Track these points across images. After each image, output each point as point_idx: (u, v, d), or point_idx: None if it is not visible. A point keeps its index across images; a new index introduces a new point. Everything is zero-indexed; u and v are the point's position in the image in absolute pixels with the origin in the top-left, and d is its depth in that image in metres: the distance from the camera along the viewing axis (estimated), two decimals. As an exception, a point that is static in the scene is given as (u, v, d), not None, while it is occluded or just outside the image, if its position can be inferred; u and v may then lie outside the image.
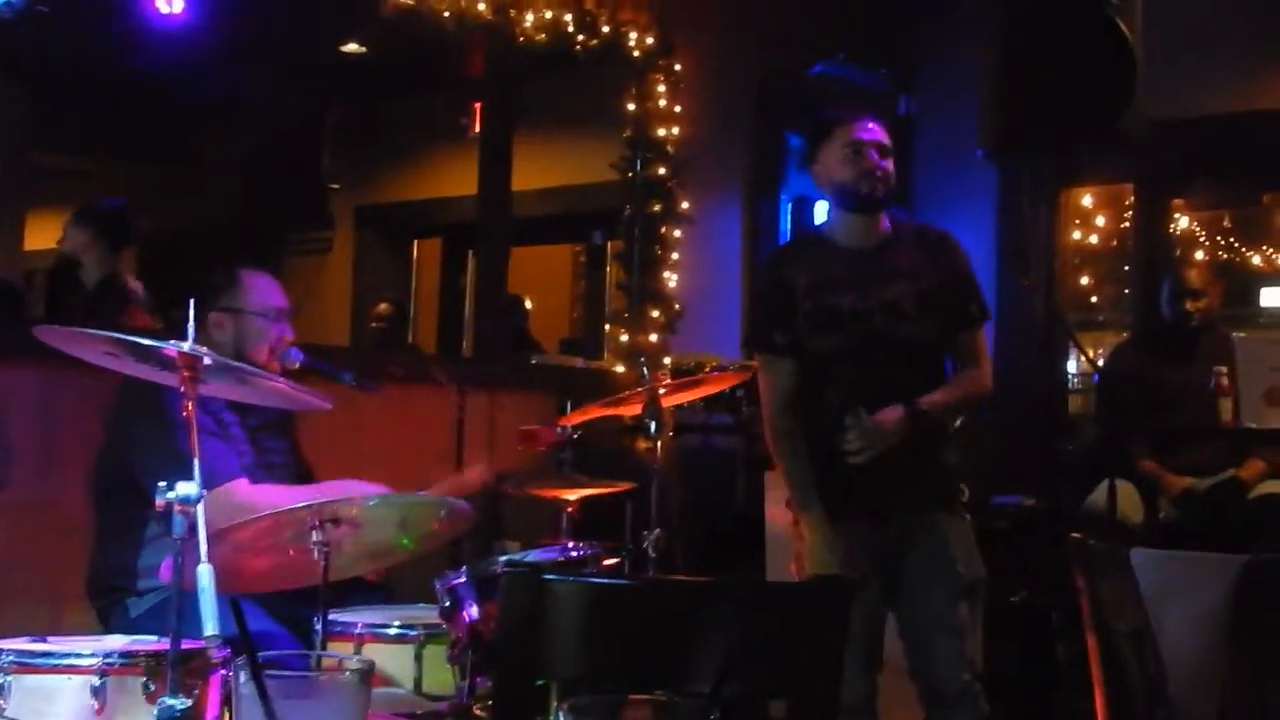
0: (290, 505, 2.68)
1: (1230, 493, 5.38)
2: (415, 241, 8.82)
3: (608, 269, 6.49)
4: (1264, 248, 10.52)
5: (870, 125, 3.58)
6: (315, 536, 2.64)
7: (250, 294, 3.53)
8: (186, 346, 2.24)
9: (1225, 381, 4.69)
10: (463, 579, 2.82)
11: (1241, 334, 5.25)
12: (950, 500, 3.59)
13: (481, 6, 5.18)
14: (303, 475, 3.60)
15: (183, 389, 2.24)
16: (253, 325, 3.49)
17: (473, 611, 2.77)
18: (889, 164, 3.55)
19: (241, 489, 3.20)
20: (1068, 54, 4.42)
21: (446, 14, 5.09)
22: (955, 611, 3.49)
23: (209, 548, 2.09)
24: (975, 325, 3.64)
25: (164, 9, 4.81)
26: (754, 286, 3.75)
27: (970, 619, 3.51)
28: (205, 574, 2.01)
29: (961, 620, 3.49)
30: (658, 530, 3.63)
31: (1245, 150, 6.79)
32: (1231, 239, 10.39)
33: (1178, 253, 9.09)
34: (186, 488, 2.05)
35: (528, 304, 7.89)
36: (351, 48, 6.83)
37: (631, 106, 5.95)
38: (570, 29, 5.55)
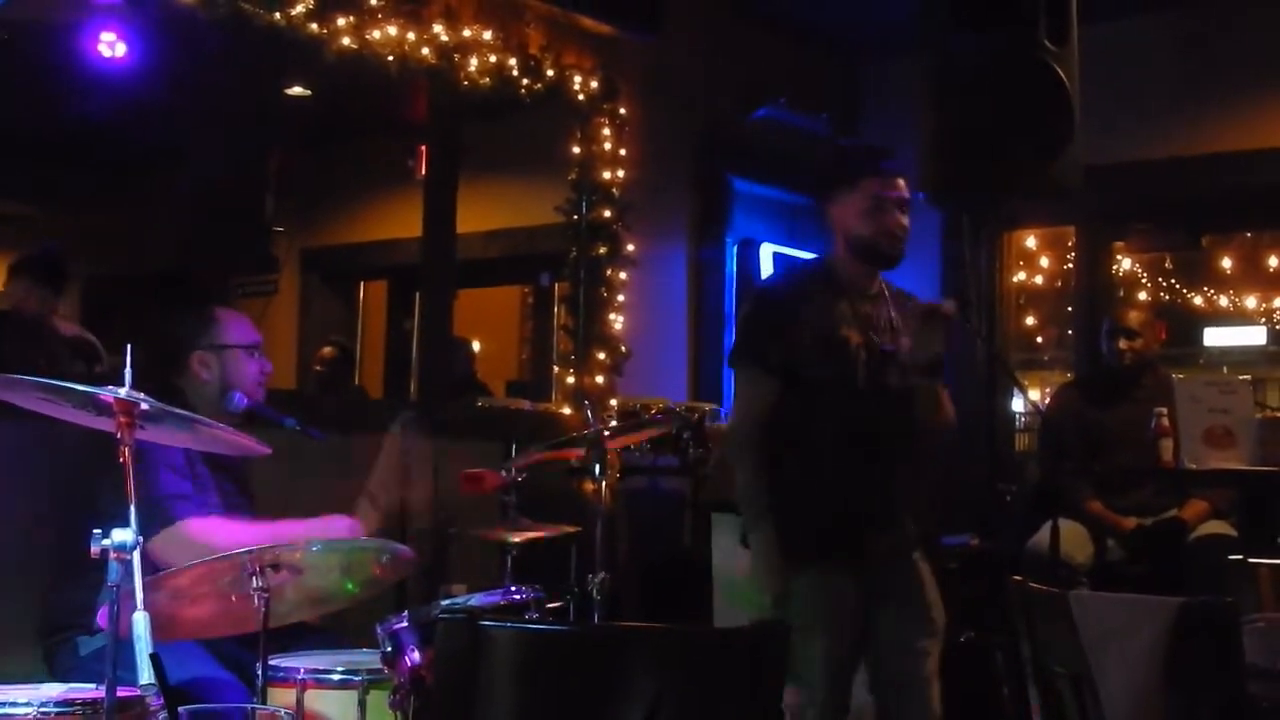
0: (254, 541, 2.69)
1: (1172, 533, 5.45)
2: (361, 284, 8.81)
3: (555, 311, 6.50)
4: (1205, 289, 10.70)
5: (898, 181, 3.58)
6: (255, 583, 2.63)
7: (230, 330, 3.58)
8: (123, 392, 2.24)
9: (1165, 423, 4.75)
10: (404, 623, 2.82)
11: (1181, 375, 5.32)
12: (925, 540, 3.59)
13: (425, 51, 5.20)
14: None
15: (119, 435, 2.24)
16: (238, 360, 3.54)
17: (414, 656, 2.76)
18: (908, 220, 3.57)
19: (210, 526, 3.21)
20: (1006, 99, 4.49)
21: (390, 58, 5.10)
22: (930, 658, 3.49)
23: (146, 594, 2.08)
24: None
25: (106, 53, 4.80)
26: (748, 306, 3.71)
27: (935, 664, 3.52)
28: (140, 622, 2.00)
29: (933, 666, 3.49)
30: (602, 573, 3.63)
31: (1184, 194, 6.92)
32: (1173, 280, 10.56)
33: (1120, 294, 9.24)
34: (122, 534, 2.04)
35: (475, 346, 7.89)
36: (295, 91, 6.83)
37: (576, 150, 5.98)
38: (515, 73, 5.57)
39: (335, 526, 3.37)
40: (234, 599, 2.72)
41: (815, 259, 3.69)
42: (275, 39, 4.80)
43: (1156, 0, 6.65)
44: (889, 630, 3.49)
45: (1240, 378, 4.97)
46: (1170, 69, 6.79)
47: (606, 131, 6.00)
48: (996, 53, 4.43)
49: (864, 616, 3.47)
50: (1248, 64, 6.60)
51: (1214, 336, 13.30)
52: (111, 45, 4.77)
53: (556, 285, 6.59)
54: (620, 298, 6.02)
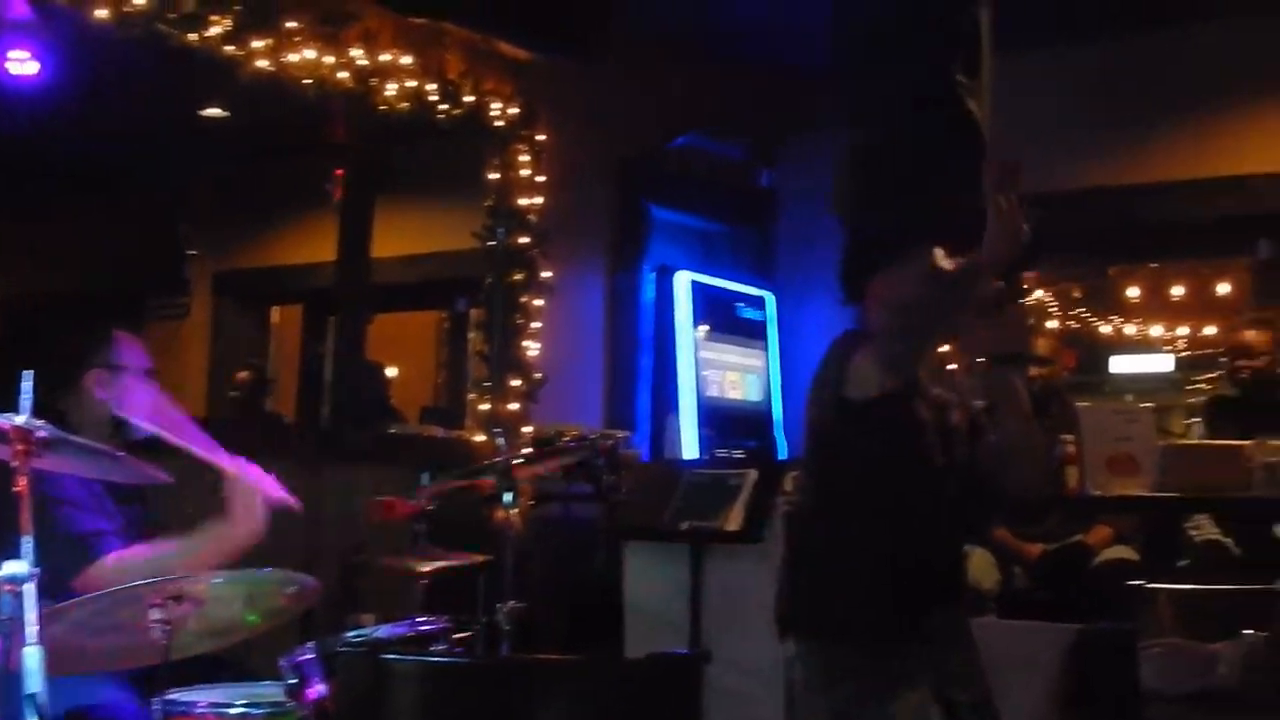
0: (174, 559, 2.63)
1: (1077, 558, 5.53)
2: (275, 308, 8.71)
3: (470, 337, 6.47)
4: (1112, 318, 10.88)
5: (940, 250, 3.46)
6: (155, 615, 2.58)
7: (125, 354, 3.51)
8: (20, 420, 2.19)
9: (1070, 450, 4.80)
10: (309, 655, 2.78)
11: (1086, 403, 5.39)
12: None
13: (343, 75, 5.17)
14: None
15: (15, 464, 2.19)
16: (128, 383, 3.47)
17: (319, 689, 2.72)
18: None
19: (131, 554, 3.16)
20: (920, 131, 4.54)
21: (307, 81, 5.07)
22: None
23: (45, 628, 2.04)
24: None
25: (16, 70, 4.72)
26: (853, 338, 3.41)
27: None
28: (31, 657, 1.95)
29: None
30: (512, 603, 3.61)
31: (1092, 225, 7.04)
32: (1081, 310, 10.72)
33: (1030, 322, 9.37)
34: (14, 566, 2.00)
35: (390, 372, 7.83)
36: (212, 112, 6.76)
37: (494, 176, 5.98)
38: (433, 98, 5.56)
39: (248, 473, 3.29)
40: (136, 631, 2.66)
41: (864, 333, 3.47)
42: (191, 60, 4.76)
43: (1068, 33, 6.77)
44: None
45: (1143, 405, 5.05)
46: (1078, 103, 6.91)
47: (524, 158, 6.00)
48: (909, 85, 4.49)
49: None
50: (1155, 98, 6.74)
51: (1121, 364, 13.55)
52: (22, 63, 4.69)
53: (472, 311, 6.57)
54: (536, 324, 6.02)
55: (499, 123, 5.91)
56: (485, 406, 5.88)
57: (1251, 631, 2.58)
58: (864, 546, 3.17)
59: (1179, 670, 2.69)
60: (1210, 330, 10.49)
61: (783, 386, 7.36)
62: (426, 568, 3.77)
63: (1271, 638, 2.63)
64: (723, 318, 7.07)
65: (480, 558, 3.97)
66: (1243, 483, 4.46)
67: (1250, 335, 5.50)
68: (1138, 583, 3.62)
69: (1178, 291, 9.37)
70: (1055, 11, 6.45)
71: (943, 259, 3.30)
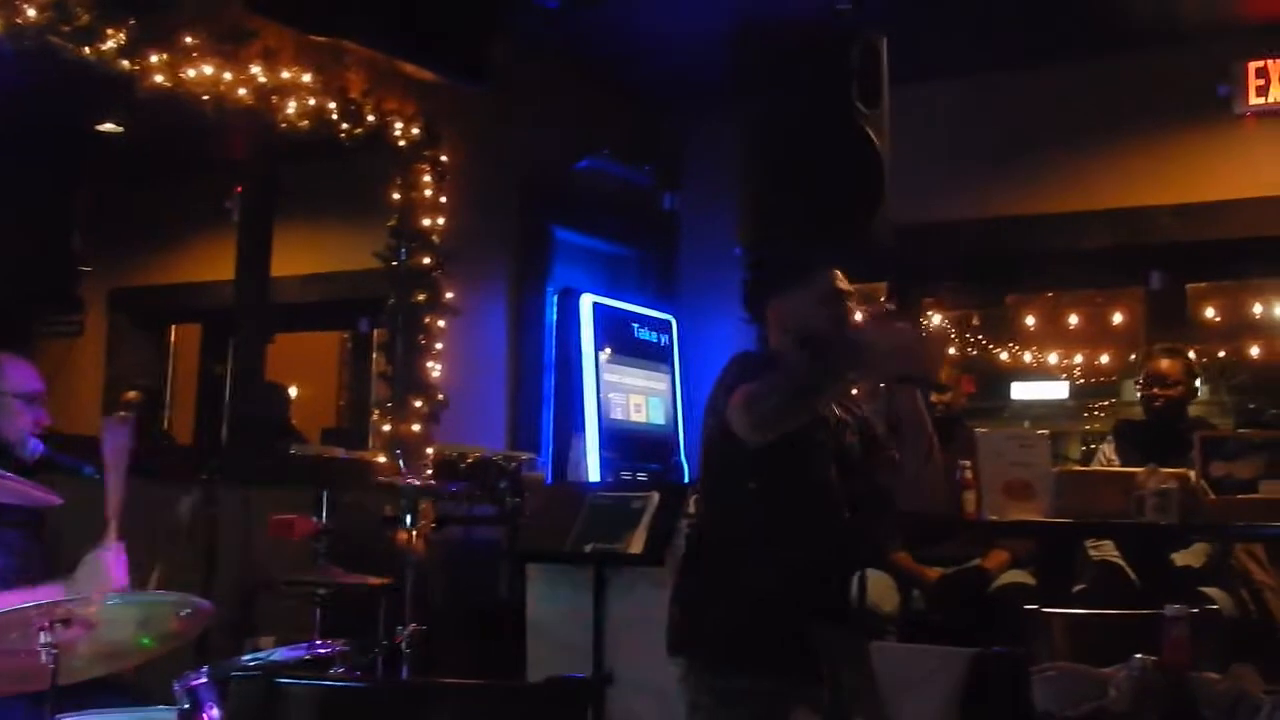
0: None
1: (974, 582, 5.61)
2: (172, 327, 8.58)
3: (373, 357, 6.42)
4: (1010, 345, 11.07)
5: (839, 273, 3.43)
6: (44, 638, 2.54)
7: (7, 377, 3.44)
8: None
9: (969, 475, 4.88)
10: (203, 679, 2.74)
11: (984, 430, 5.48)
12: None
13: (242, 91, 5.12)
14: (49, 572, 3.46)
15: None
16: (10, 408, 3.40)
17: (213, 714, 2.68)
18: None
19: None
20: (820, 159, 4.61)
21: (206, 97, 5.02)
22: None
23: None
24: None
25: (-98, 81, 4.62)
26: (747, 355, 3.40)
27: None
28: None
29: None
30: (412, 625, 3.59)
31: (988, 254, 7.18)
32: (980, 336, 10.90)
33: (937, 346, 9.51)
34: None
35: (292, 392, 7.74)
36: (107, 127, 6.65)
37: (397, 196, 5.95)
38: (334, 117, 5.53)
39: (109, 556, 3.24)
40: (24, 655, 2.61)
41: (760, 353, 3.47)
42: (86, 73, 4.68)
43: (968, 65, 6.90)
44: None
45: (1039, 432, 5.14)
46: (979, 133, 7.05)
47: (427, 178, 5.99)
48: (809, 113, 4.55)
49: None
50: (1051, 130, 6.89)
51: (1020, 390, 13.80)
52: (-93, 73, 4.59)
53: (375, 331, 6.53)
54: (439, 345, 6.00)
55: (402, 142, 5.89)
56: (387, 428, 5.84)
57: (1141, 656, 2.64)
58: (751, 568, 3.19)
59: (1071, 693, 2.74)
60: (1104, 359, 10.71)
61: (686, 409, 7.40)
62: (326, 590, 3.73)
63: (1160, 662, 2.69)
64: (626, 340, 7.10)
65: (381, 580, 3.94)
66: (1135, 509, 4.57)
67: (1164, 364, 5.64)
68: (1033, 607, 3.68)
69: (1073, 320, 9.57)
70: (955, 44, 6.58)
71: (842, 281, 3.36)
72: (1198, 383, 5.95)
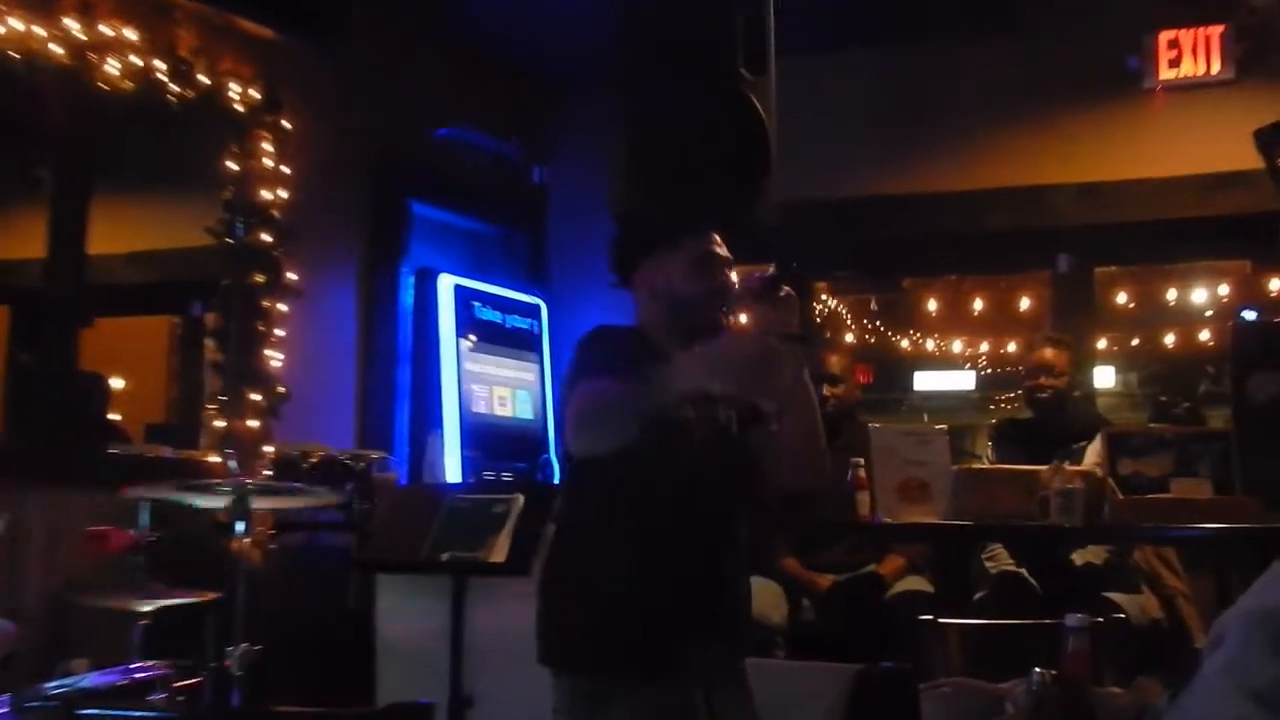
0: None
1: (869, 590, 5.68)
2: (-24, 310, 8.37)
3: (205, 345, 6.32)
4: (911, 332, 11.23)
5: (717, 238, 3.48)
6: None
7: None
8: None
9: (862, 474, 4.91)
10: (5, 709, 2.69)
11: (877, 424, 5.55)
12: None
13: (56, 49, 5.01)
14: None
15: None
16: None
17: (14, 747, 2.63)
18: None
19: None
20: (701, 130, 4.61)
21: (14, 55, 4.90)
22: None
23: None
24: None
25: None
26: (596, 336, 3.34)
27: None
28: None
29: None
30: (244, 645, 3.54)
31: (882, 235, 7.27)
32: (879, 323, 11.03)
33: (827, 335, 9.60)
34: None
35: (115, 384, 7.58)
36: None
37: (233, 165, 5.86)
38: (162, 77, 5.42)
39: None
40: None
41: (626, 329, 3.46)
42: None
43: (864, 39, 6.98)
44: None
45: (937, 427, 5.21)
46: (873, 108, 7.14)
47: (267, 146, 5.91)
48: (691, 81, 4.55)
49: None
50: (952, 105, 7.00)
51: (923, 381, 14.00)
52: None
53: (208, 316, 6.42)
54: (279, 332, 5.93)
55: (238, 107, 5.80)
56: (221, 423, 5.76)
57: (1040, 670, 2.68)
58: (610, 568, 3.18)
59: (964, 711, 2.79)
60: (1011, 347, 10.91)
61: (556, 403, 7.40)
62: (146, 607, 3.67)
63: (1060, 675, 2.74)
64: (491, 327, 7.07)
65: (209, 595, 3.88)
66: (1037, 510, 4.65)
67: (1049, 354, 5.73)
68: (929, 617, 3.72)
69: (978, 305, 9.71)
70: (849, 13, 6.65)
71: (718, 245, 3.37)
72: (1110, 373, 6.07)
